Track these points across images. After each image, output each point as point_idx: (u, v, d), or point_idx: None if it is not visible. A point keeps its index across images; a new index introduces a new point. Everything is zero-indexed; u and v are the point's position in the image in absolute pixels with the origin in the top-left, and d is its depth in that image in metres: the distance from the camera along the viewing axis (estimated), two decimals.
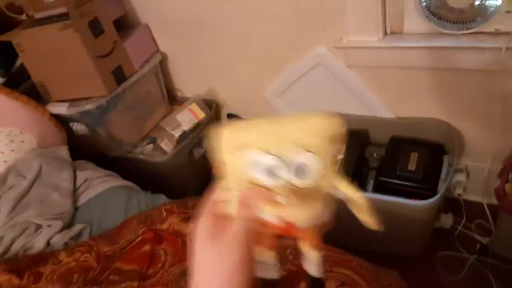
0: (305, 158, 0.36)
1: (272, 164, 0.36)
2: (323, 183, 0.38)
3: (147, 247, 1.00)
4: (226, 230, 0.39)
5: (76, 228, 1.15)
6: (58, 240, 1.12)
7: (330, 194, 0.39)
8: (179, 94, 1.77)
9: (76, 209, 1.23)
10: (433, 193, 1.18)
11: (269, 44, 1.39)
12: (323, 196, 0.38)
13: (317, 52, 1.31)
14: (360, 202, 0.38)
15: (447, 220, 1.33)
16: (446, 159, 1.24)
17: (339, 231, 1.33)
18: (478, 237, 1.30)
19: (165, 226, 1.06)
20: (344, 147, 0.38)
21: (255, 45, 1.42)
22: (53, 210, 1.19)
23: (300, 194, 0.37)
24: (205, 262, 0.39)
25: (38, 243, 1.11)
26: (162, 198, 1.24)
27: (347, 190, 0.38)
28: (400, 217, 1.18)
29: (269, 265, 0.41)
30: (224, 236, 0.39)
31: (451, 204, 1.37)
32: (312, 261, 0.41)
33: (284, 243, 0.92)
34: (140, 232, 1.04)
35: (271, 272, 0.42)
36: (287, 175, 0.36)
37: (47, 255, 1.06)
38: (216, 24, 1.44)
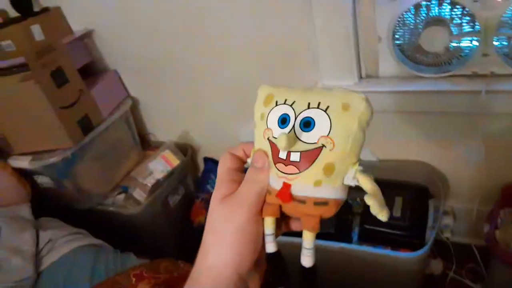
0: (314, 113, 0.35)
1: (284, 111, 0.37)
2: (332, 155, 0.35)
3: None
4: (237, 191, 0.40)
5: None
6: None
7: (340, 174, 0.36)
8: (152, 138, 1.70)
9: (38, 274, 1.13)
10: (421, 240, 1.12)
11: (241, 85, 1.33)
12: (330, 170, 0.36)
13: None
14: (373, 193, 0.36)
15: (437, 266, 1.27)
16: (432, 203, 1.18)
17: (328, 279, 1.25)
18: (469, 283, 1.24)
19: None
20: (364, 135, 0.37)
21: (227, 86, 1.37)
22: (14, 277, 1.09)
23: (305, 154, 0.36)
24: (214, 220, 0.40)
25: None
26: (132, 258, 1.15)
27: (361, 178, 0.36)
28: (389, 268, 1.11)
29: (267, 236, 0.40)
30: (234, 196, 0.40)
31: (439, 247, 1.31)
32: (304, 246, 0.38)
33: None
34: None
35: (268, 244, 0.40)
36: (293, 123, 0.36)
37: None
38: (186, 66, 1.38)
